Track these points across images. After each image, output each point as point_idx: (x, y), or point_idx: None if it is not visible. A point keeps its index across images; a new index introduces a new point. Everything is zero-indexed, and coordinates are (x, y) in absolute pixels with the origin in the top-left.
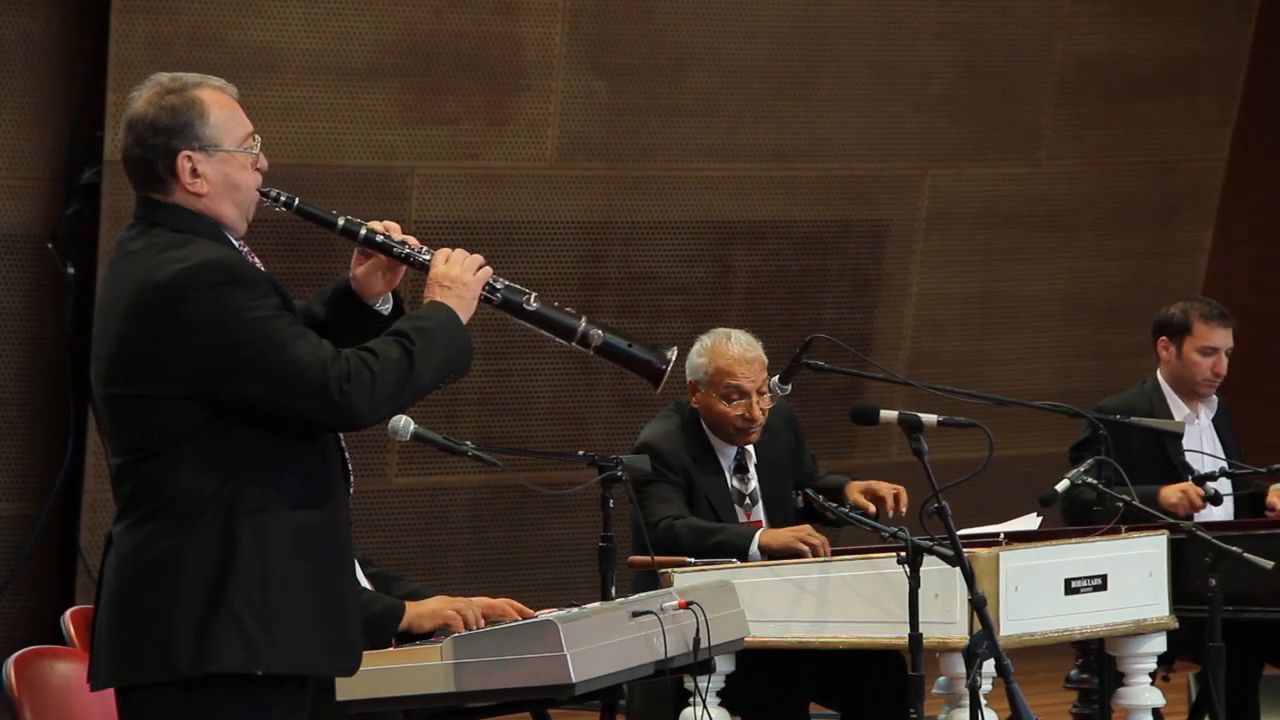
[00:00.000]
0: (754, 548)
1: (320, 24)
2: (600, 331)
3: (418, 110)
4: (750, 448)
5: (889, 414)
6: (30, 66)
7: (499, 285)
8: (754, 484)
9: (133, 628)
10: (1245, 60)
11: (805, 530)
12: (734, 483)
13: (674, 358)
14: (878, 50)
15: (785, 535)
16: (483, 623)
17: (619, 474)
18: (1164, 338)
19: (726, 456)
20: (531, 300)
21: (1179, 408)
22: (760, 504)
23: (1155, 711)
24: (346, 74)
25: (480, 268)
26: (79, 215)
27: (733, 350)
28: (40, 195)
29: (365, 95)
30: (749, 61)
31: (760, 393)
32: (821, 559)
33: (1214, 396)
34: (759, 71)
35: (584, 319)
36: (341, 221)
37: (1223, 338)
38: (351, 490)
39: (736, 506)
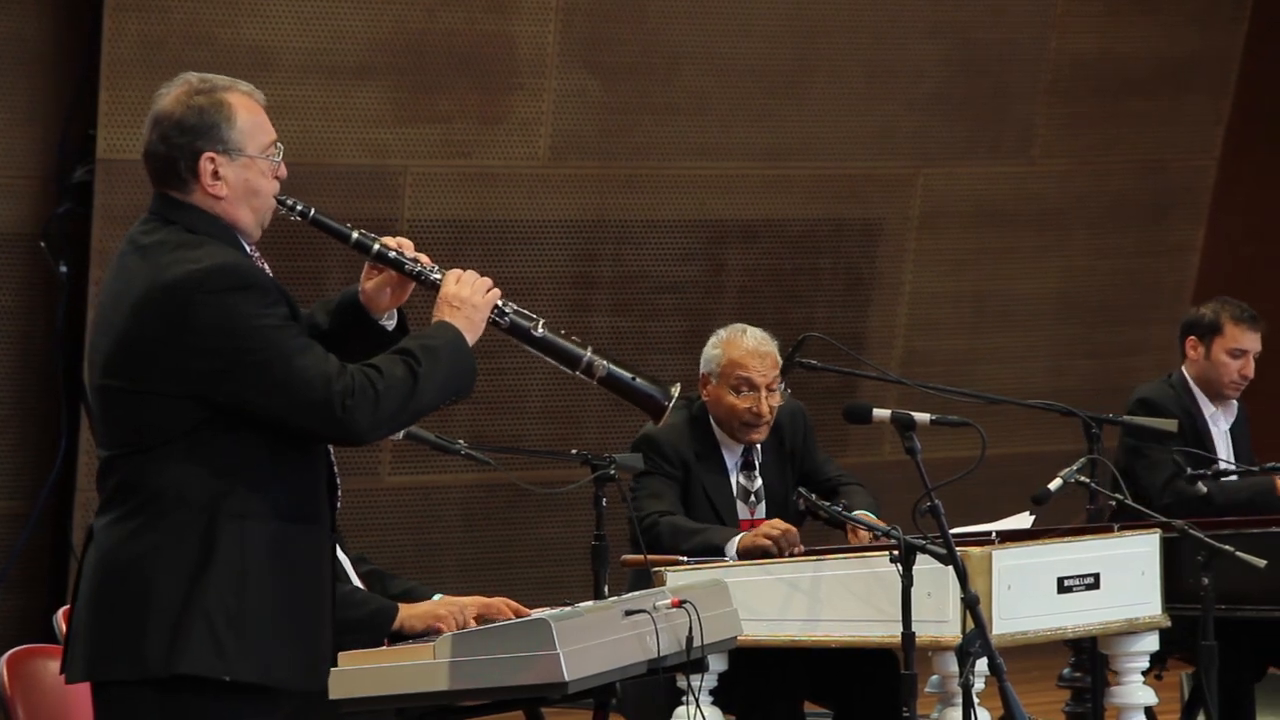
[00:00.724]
0: (731, 550)
1: (313, 22)
2: (605, 363)
3: (410, 109)
4: (757, 445)
5: (882, 413)
6: (22, 65)
7: (508, 309)
8: (759, 482)
9: (109, 623)
10: (1238, 59)
11: (766, 525)
12: (740, 480)
13: (677, 394)
14: (871, 49)
15: (749, 537)
16: (473, 623)
17: (612, 473)
18: (1193, 337)
19: (732, 454)
20: (539, 327)
21: (1207, 405)
22: (764, 502)
23: (1148, 710)
24: (339, 72)
25: (489, 290)
26: (71, 214)
27: (747, 343)
28: (32, 194)
29: (358, 94)
30: (742, 60)
31: (770, 389)
32: (801, 558)
33: (1234, 402)
34: (752, 70)
35: (589, 349)
36: (355, 235)
37: (1252, 340)
38: (338, 505)
39: (741, 504)
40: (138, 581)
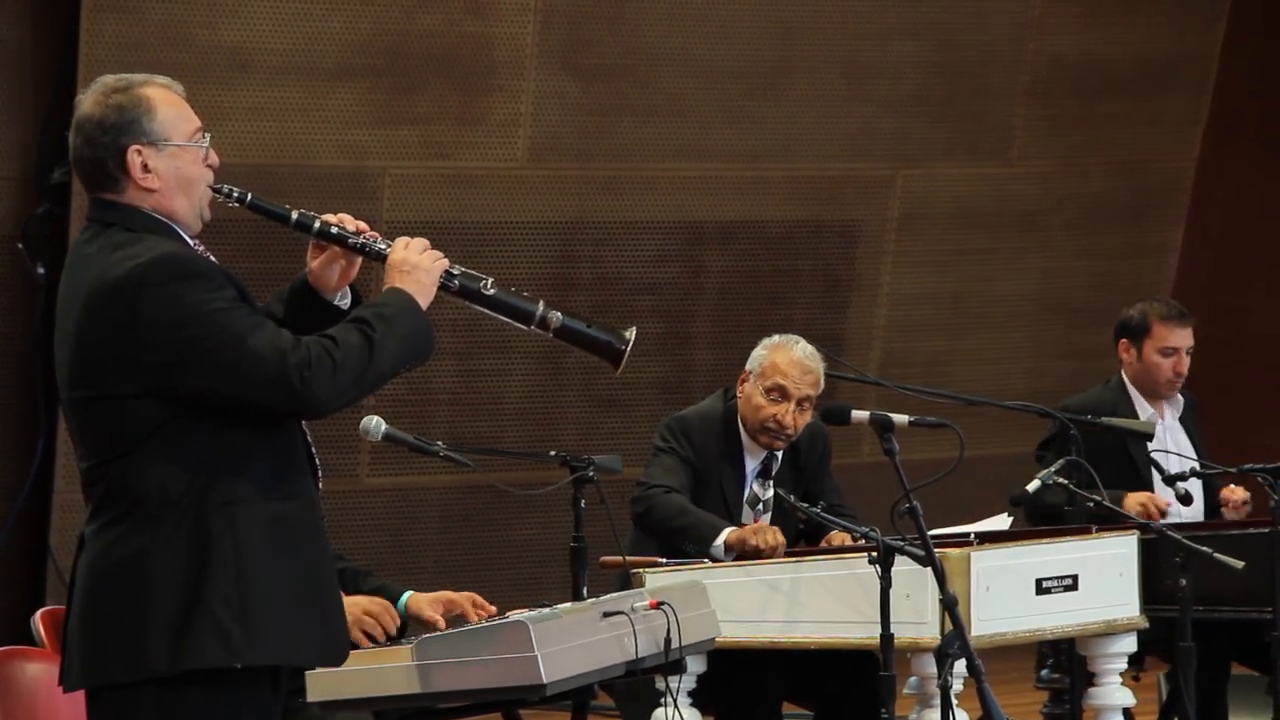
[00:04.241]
0: (720, 540)
1: (291, 24)
2: (558, 314)
3: (389, 110)
4: (780, 456)
5: (860, 414)
6: (0, 66)
7: (456, 272)
8: (771, 492)
9: (104, 628)
10: (1216, 60)
11: (767, 532)
12: (754, 486)
13: (633, 338)
14: (849, 50)
15: (740, 534)
16: (444, 624)
17: (590, 474)
18: (1124, 339)
19: (753, 458)
20: (489, 285)
21: (1144, 408)
22: (770, 513)
23: (1126, 711)
24: (317, 74)
25: (438, 259)
26: (49, 215)
27: (793, 353)
28: (10, 195)
29: (336, 95)
30: (721, 62)
31: (802, 406)
32: (780, 560)
33: (1179, 395)
34: (731, 72)
35: (541, 303)
36: (295, 215)
37: (1182, 337)
38: (320, 486)
39: (749, 509)
40: (132, 583)
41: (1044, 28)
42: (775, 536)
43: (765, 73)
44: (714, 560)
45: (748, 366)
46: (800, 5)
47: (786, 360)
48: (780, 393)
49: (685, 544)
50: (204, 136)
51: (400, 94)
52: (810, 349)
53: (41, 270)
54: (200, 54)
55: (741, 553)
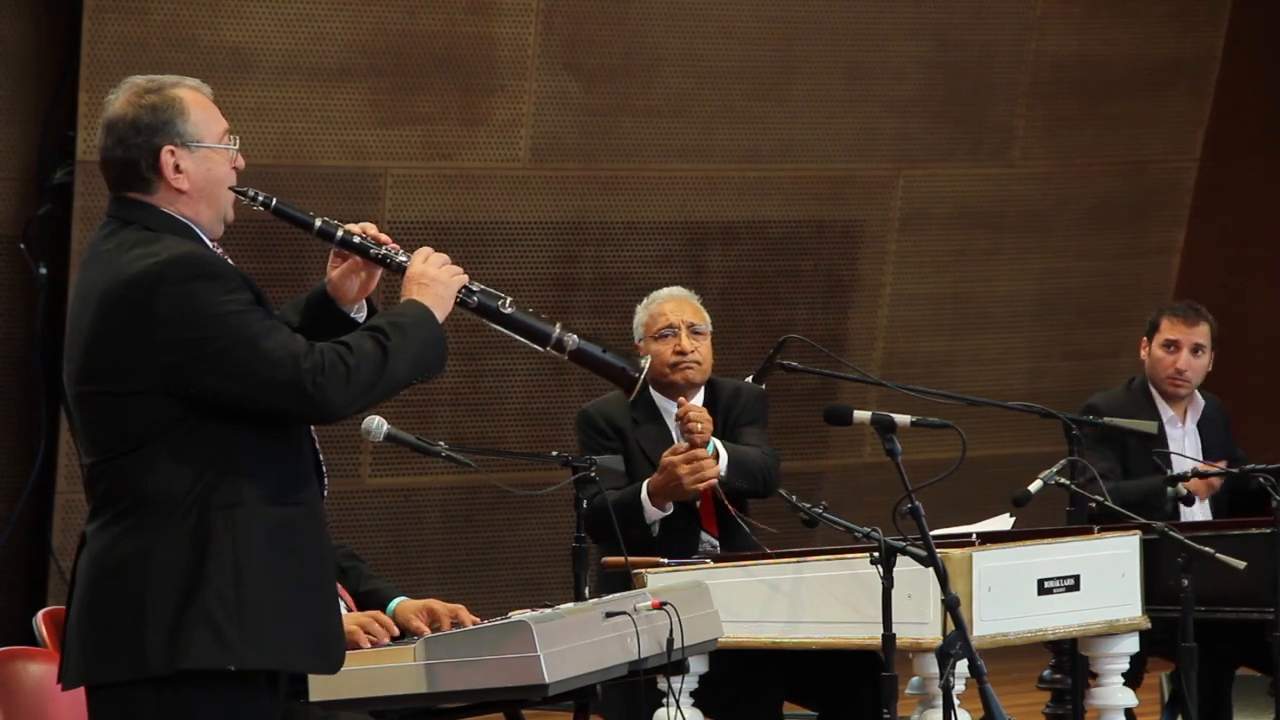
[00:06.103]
0: (643, 494)
1: (293, 24)
2: (574, 337)
3: (391, 110)
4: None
5: (862, 414)
6: (1, 66)
7: (475, 288)
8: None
9: (104, 626)
10: (1217, 60)
11: (669, 454)
12: (681, 441)
13: (647, 366)
14: (851, 51)
15: (660, 478)
16: (387, 639)
17: (592, 474)
18: (1144, 338)
19: (669, 413)
20: (507, 304)
21: (1164, 409)
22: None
23: (1128, 712)
24: (319, 74)
25: (457, 274)
26: (51, 215)
27: (661, 295)
28: (12, 195)
29: (338, 95)
30: (722, 62)
31: (693, 332)
32: (781, 560)
33: (1200, 400)
34: (732, 72)
35: (558, 325)
36: (318, 222)
37: (1184, 332)
38: (325, 490)
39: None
40: (132, 582)
41: (1045, 28)
42: (705, 466)
43: (767, 73)
44: (662, 513)
45: (635, 340)
46: (802, 6)
47: (658, 302)
48: (668, 327)
49: (635, 529)
50: (233, 139)
51: (402, 94)
52: (676, 287)
53: (43, 270)
54: (202, 54)
55: (669, 490)
